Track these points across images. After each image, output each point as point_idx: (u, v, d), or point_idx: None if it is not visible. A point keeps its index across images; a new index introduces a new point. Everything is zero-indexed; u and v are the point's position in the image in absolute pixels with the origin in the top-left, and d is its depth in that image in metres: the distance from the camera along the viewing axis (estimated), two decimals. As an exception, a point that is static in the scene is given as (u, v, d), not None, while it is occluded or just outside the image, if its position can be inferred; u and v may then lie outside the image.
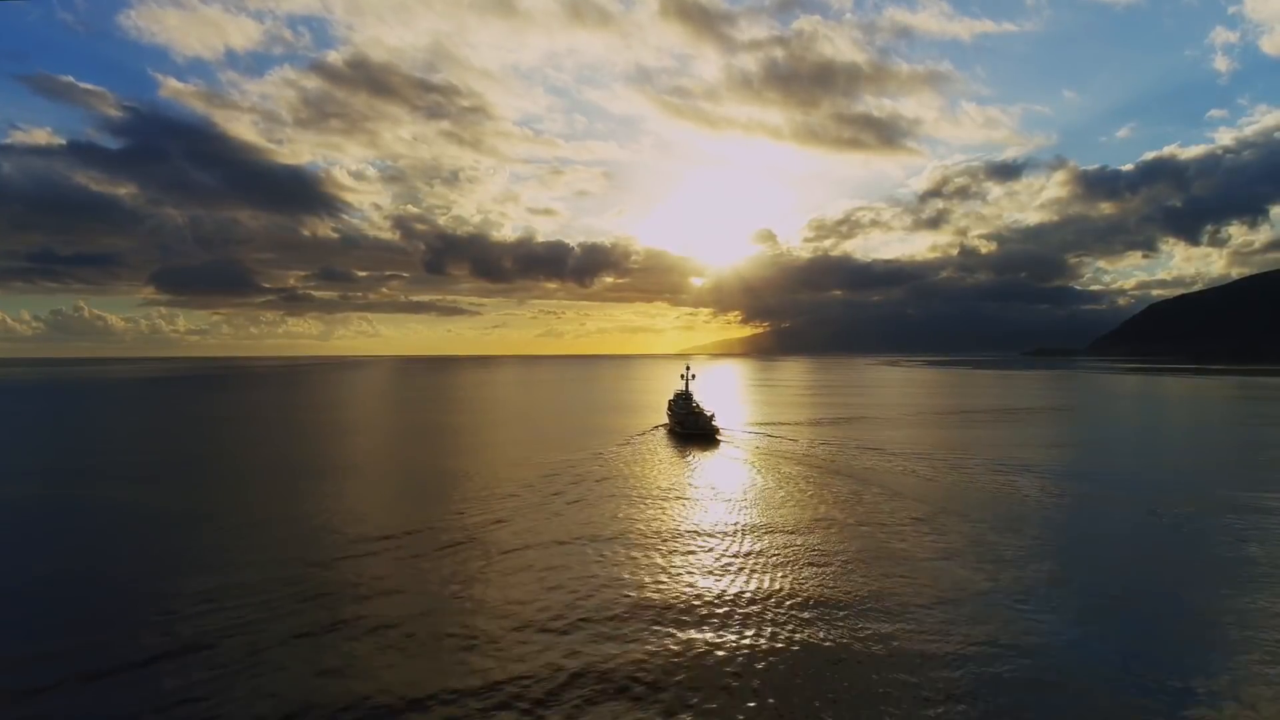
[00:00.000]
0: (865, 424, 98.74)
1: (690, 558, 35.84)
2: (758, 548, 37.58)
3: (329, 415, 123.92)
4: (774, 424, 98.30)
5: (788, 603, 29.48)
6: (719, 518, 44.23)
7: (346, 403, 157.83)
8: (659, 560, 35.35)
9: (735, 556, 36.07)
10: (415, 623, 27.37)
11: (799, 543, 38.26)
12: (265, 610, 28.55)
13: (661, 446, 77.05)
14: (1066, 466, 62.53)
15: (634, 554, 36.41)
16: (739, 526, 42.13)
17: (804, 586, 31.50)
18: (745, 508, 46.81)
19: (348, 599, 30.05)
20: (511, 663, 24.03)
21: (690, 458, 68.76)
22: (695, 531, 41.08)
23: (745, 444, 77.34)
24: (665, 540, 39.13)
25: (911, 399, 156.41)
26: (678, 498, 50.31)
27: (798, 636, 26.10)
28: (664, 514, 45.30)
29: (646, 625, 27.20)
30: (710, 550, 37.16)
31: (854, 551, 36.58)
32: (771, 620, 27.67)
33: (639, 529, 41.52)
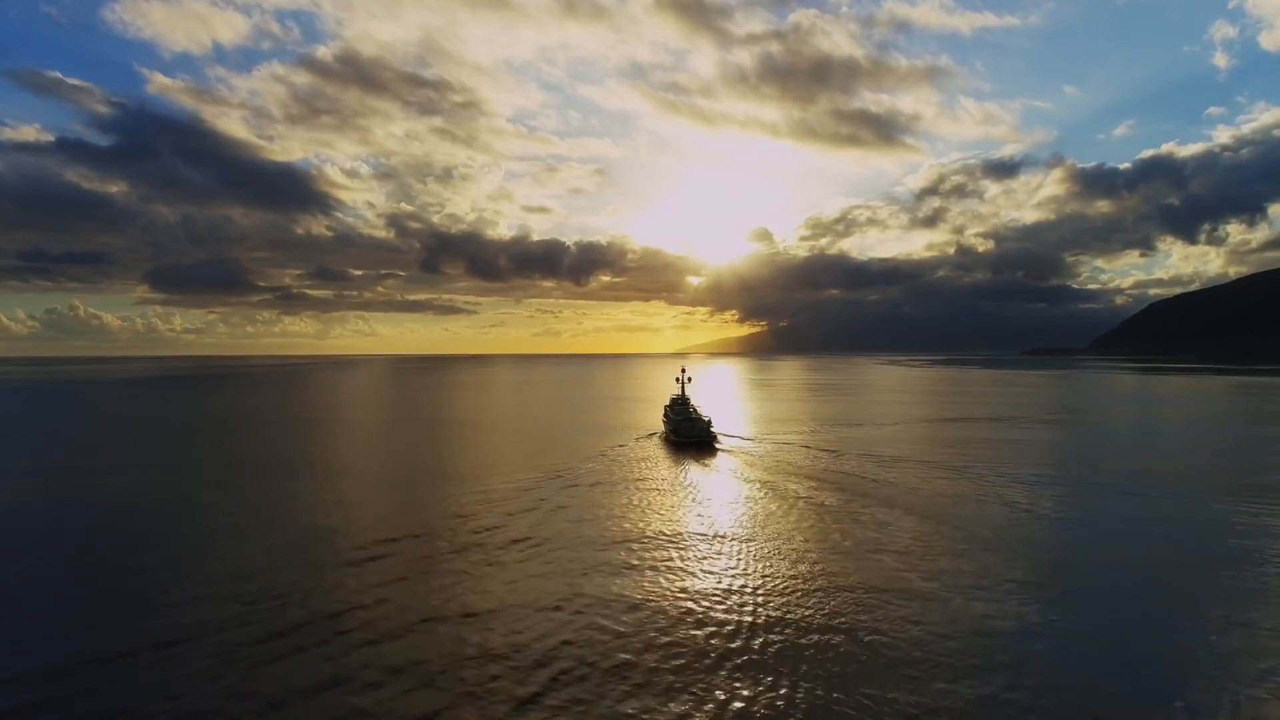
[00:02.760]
0: (875, 430, 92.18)
1: (679, 601, 29.34)
2: (756, 582, 31.32)
3: (317, 418, 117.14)
4: (777, 431, 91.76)
5: (792, 650, 23.77)
6: (714, 547, 37.64)
7: (335, 406, 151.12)
8: (640, 600, 28.95)
9: (730, 592, 29.82)
10: (359, 678, 21.36)
11: (805, 578, 31.84)
12: (227, 655, 24.47)
13: (655, 456, 70.52)
14: (1098, 479, 56.11)
15: (612, 595, 29.93)
16: (736, 556, 35.73)
17: (810, 630, 25.91)
18: (743, 533, 40.30)
19: (310, 639, 25.85)
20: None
21: (685, 470, 62.18)
22: (686, 569, 34.48)
23: (746, 454, 70.76)
24: (649, 575, 32.66)
25: (921, 401, 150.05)
26: (669, 521, 43.72)
27: (803, 690, 21.75)
28: (651, 541, 38.73)
29: (627, 692, 20.95)
30: (703, 589, 30.66)
31: (864, 586, 30.93)
32: (776, 670, 23.11)
33: (619, 562, 34.94)
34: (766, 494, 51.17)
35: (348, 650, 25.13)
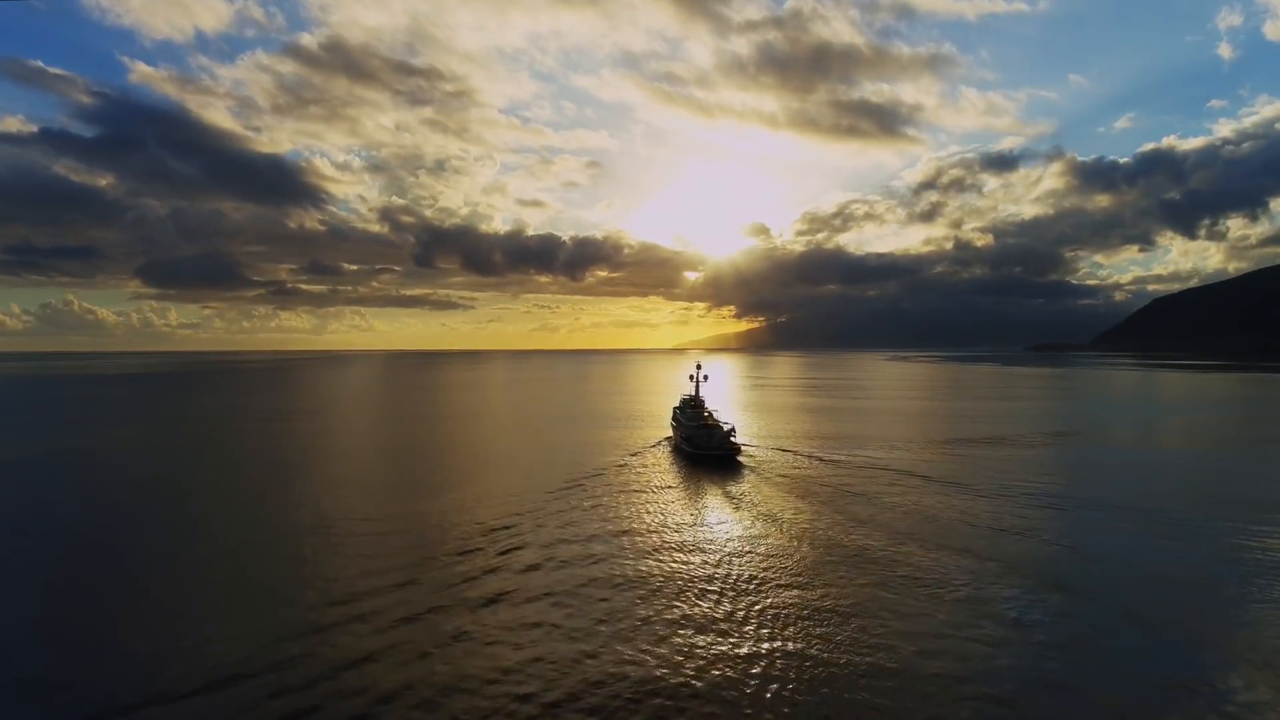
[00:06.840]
0: (917, 433, 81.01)
1: (692, 685, 18.78)
2: (797, 657, 20.71)
3: (313, 419, 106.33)
4: (804, 441, 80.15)
5: None
6: (743, 610, 27.04)
7: (330, 407, 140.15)
8: (642, 682, 18.44)
9: (754, 668, 19.19)
10: None
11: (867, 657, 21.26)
12: None
13: (663, 472, 59.95)
14: (1167, 508, 45.68)
15: (602, 675, 19.38)
16: (768, 620, 25.35)
17: None
18: (778, 581, 29.73)
19: None
20: None
21: (701, 492, 51.58)
22: (701, 639, 23.88)
23: (777, 474, 59.40)
24: (651, 654, 22.13)
25: (948, 401, 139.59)
26: (682, 565, 33.12)
27: None
28: (658, 600, 28.14)
29: None
30: (725, 670, 20.06)
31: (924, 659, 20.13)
32: None
33: (616, 655, 24.34)
34: (814, 540, 40.35)
35: None
